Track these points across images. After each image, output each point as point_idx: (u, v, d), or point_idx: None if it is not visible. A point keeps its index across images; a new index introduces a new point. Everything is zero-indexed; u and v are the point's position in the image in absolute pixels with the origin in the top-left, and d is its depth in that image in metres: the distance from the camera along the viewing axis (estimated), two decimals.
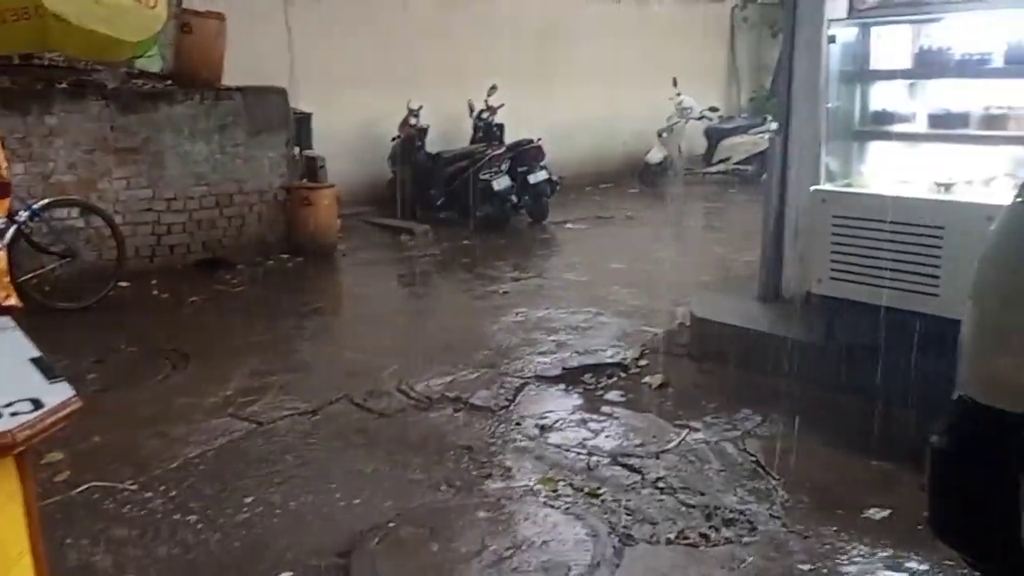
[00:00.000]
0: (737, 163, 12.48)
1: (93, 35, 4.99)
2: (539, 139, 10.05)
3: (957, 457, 2.37)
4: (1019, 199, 2.31)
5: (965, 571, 2.84)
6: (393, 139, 10.20)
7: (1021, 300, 2.22)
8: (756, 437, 4.24)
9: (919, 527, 3.22)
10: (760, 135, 11.76)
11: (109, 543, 3.36)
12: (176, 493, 3.75)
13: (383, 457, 4.09)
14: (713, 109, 12.94)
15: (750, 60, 15.27)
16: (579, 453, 4.11)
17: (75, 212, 7.15)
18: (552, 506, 3.62)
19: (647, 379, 5.01)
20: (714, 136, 12.82)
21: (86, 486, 3.78)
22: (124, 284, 7.03)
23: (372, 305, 7.03)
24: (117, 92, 7.60)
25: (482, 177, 9.50)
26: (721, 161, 12.60)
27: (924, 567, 3.10)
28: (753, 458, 4.02)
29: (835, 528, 3.37)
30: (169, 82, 8.11)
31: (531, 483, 3.82)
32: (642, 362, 5.27)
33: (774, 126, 5.68)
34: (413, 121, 10.01)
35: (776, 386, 4.57)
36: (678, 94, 12.27)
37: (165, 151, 7.77)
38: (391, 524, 3.47)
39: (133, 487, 3.79)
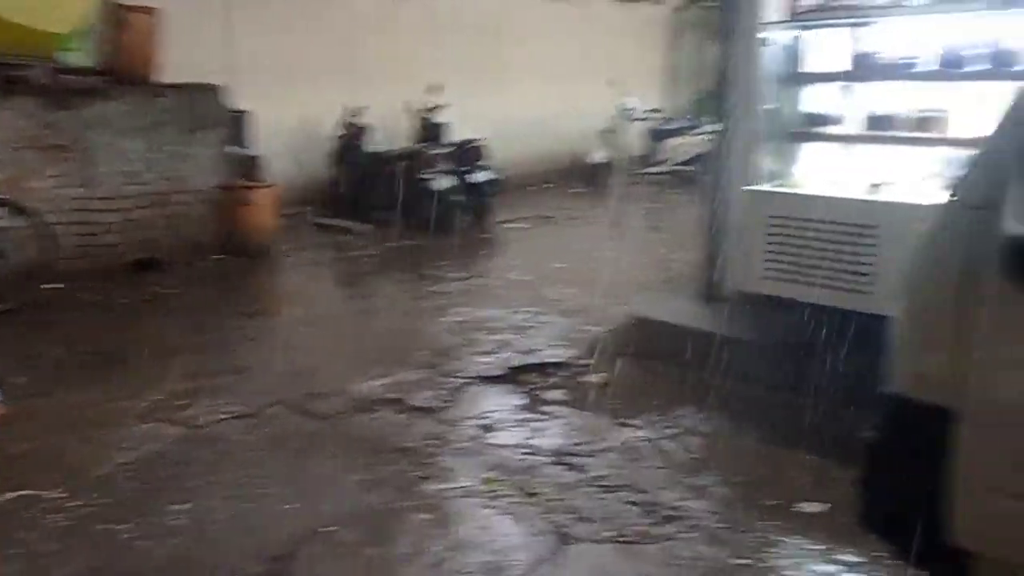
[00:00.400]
0: (679, 164, 12.61)
1: (15, 28, 4.83)
2: (483, 138, 10.03)
3: (888, 452, 2.41)
4: (953, 198, 2.36)
5: (896, 564, 2.89)
6: (334, 137, 10.09)
7: (951, 297, 2.26)
8: (696, 434, 4.28)
9: (852, 521, 3.28)
10: (702, 136, 11.89)
11: (36, 553, 3.25)
12: (107, 500, 3.64)
13: (322, 460, 4.03)
14: (655, 110, 13.05)
15: (692, 62, 15.44)
16: (520, 453, 4.10)
17: (3, 211, 6.90)
18: (493, 506, 3.60)
19: (589, 378, 5.03)
20: (656, 137, 12.93)
21: (13, 494, 3.65)
22: (55, 285, 6.82)
23: (312, 306, 6.93)
24: (47, 88, 7.37)
25: (425, 177, 9.45)
26: (663, 162, 12.72)
27: (857, 560, 3.15)
28: (693, 455, 4.06)
29: (771, 523, 3.42)
30: (102, 78, 7.89)
31: (472, 484, 3.80)
32: (584, 361, 5.28)
33: (715, 127, 5.75)
34: (355, 120, 9.92)
35: (716, 384, 4.61)
36: (621, 95, 12.34)
37: (98, 149, 7.55)
38: (329, 528, 3.42)
39: (62, 495, 3.67)
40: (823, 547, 3.24)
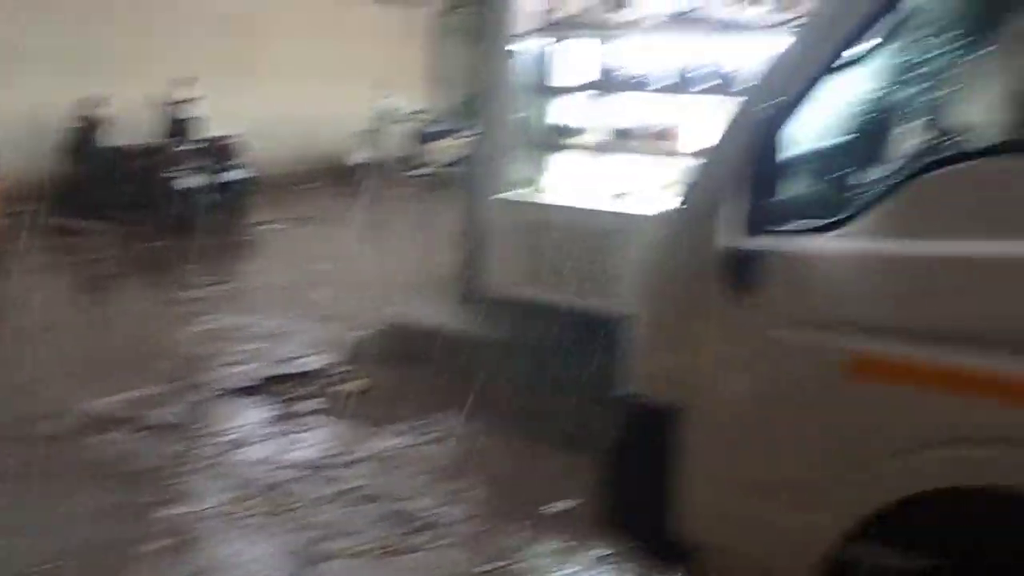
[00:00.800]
0: (444, 166, 12.71)
1: None
2: (238, 135, 9.58)
3: (625, 451, 2.52)
4: (680, 208, 2.49)
5: (637, 559, 3.04)
6: (69, 130, 9.24)
7: (678, 302, 2.39)
8: (454, 438, 4.30)
9: (597, 519, 3.42)
10: (467, 139, 12.03)
11: None
12: None
13: (43, 490, 3.63)
14: (421, 112, 13.10)
15: (458, 65, 15.60)
16: (272, 468, 3.93)
17: None
18: (241, 527, 3.42)
19: (347, 385, 4.91)
20: (422, 139, 12.98)
21: None
22: None
23: (39, 315, 6.26)
24: None
25: (172, 174, 8.87)
26: (428, 164, 12.78)
27: (601, 554, 3.27)
28: (450, 460, 4.07)
29: (524, 523, 3.48)
30: None
31: (219, 504, 3.58)
32: (342, 368, 5.16)
33: (476, 132, 5.82)
34: (93, 112, 9.13)
35: (474, 387, 4.65)
36: (385, 96, 12.28)
37: None
38: (47, 565, 3.08)
39: None
40: (572, 544, 3.35)
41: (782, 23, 4.38)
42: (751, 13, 4.68)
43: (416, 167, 12.80)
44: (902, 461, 2.07)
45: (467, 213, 5.47)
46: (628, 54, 4.93)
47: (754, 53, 4.34)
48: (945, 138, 2.25)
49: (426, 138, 12.90)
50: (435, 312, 5.44)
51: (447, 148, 12.66)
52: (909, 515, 2.07)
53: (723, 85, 4.51)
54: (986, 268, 1.97)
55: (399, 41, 14.33)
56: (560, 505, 3.61)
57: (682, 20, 4.72)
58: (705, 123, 4.41)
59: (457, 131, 12.77)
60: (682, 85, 4.68)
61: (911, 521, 2.08)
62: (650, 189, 4.69)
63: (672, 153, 4.71)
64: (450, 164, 12.53)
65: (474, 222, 5.36)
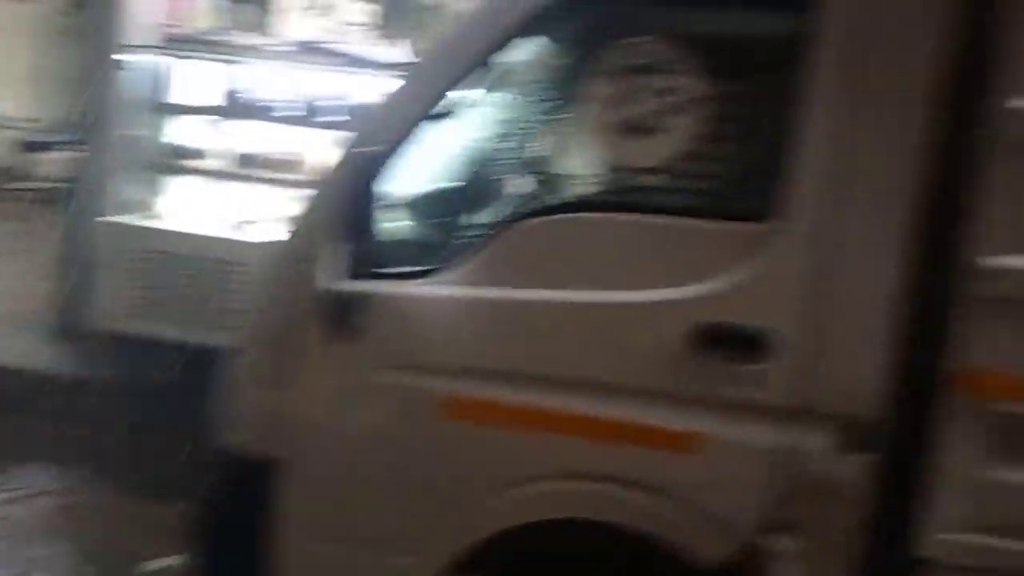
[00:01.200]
0: (50, 181, 11.45)
1: None
2: None
3: (218, 503, 2.38)
4: (288, 243, 2.41)
5: None
6: None
7: (280, 344, 2.30)
8: (43, 495, 3.83)
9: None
10: (78, 153, 10.97)
11: None
12: None
13: None
14: (32, 120, 11.71)
15: (75, 70, 14.21)
16: None
17: None
18: None
19: None
20: (30, 149, 11.61)
21: None
22: None
23: None
24: None
25: None
26: (32, 178, 11.45)
27: None
28: (36, 521, 3.62)
29: None
30: None
31: None
32: None
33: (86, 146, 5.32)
34: None
35: (73, 434, 4.21)
36: None
37: None
38: None
39: None
40: None
41: (409, 64, 4.49)
42: (382, 51, 4.76)
43: (17, 180, 11.39)
44: (493, 498, 2.15)
45: (70, 236, 4.96)
46: (254, 79, 4.78)
47: (381, 90, 4.42)
48: (533, 192, 2.41)
49: (32, 148, 11.53)
50: (27, 349, 4.86)
51: (57, 161, 11.41)
52: (506, 549, 2.16)
53: (347, 120, 4.52)
54: (563, 315, 2.12)
55: (5, 38, 12.74)
56: (158, 563, 3.33)
57: (311, 50, 4.67)
58: (328, 156, 4.40)
59: (70, 143, 11.61)
60: (307, 116, 4.62)
61: (510, 555, 2.17)
62: (272, 218, 4.56)
63: (295, 184, 4.62)
64: (58, 180, 11.33)
65: (78, 247, 4.88)
